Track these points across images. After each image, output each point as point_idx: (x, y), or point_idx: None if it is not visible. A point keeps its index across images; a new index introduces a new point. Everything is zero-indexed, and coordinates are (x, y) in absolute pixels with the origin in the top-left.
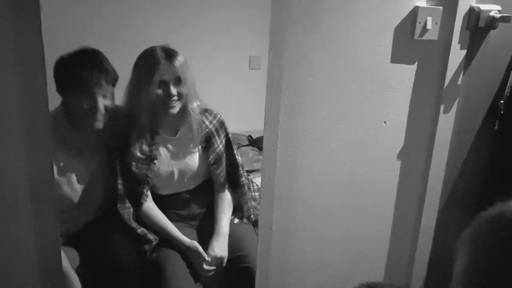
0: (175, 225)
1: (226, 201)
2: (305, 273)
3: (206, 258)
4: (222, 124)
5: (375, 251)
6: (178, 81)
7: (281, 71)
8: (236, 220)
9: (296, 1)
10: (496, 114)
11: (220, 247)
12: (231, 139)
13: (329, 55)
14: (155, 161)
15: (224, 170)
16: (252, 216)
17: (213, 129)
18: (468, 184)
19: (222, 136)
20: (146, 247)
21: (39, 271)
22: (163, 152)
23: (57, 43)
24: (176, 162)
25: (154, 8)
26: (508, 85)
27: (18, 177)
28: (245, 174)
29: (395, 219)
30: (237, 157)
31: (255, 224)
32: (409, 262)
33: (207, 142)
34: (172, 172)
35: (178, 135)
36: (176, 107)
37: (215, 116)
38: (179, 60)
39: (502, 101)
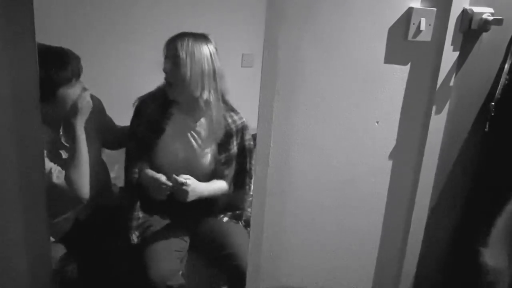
0: (167, 225)
1: (220, 185)
2: (296, 270)
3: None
4: (243, 128)
5: (365, 249)
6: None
7: (275, 70)
8: (225, 219)
9: (291, 1)
10: (486, 116)
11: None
12: (248, 145)
13: (323, 55)
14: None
15: (232, 173)
16: (243, 218)
17: (234, 129)
18: (458, 185)
19: (239, 139)
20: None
21: (29, 271)
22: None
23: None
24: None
25: (146, 6)
26: (499, 87)
27: (9, 175)
28: (252, 180)
29: (386, 218)
30: (248, 165)
31: (247, 223)
32: (399, 260)
33: (224, 140)
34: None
35: (198, 123)
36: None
37: (240, 118)
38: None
39: (493, 103)
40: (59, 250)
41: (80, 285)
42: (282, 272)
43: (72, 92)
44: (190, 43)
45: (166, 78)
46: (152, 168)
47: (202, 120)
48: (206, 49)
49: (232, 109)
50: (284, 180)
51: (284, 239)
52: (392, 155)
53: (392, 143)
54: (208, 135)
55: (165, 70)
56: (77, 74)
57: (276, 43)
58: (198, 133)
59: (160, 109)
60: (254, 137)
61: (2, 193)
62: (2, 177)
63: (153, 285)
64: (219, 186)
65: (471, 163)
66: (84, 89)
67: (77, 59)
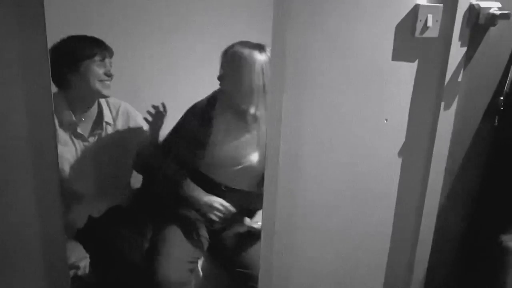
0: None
1: None
2: (306, 272)
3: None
4: None
5: (375, 248)
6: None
7: (283, 69)
8: (247, 220)
9: None
10: (496, 110)
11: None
12: None
13: (330, 53)
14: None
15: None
16: None
17: None
18: (468, 180)
19: None
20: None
21: (44, 265)
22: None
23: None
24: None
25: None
26: (507, 81)
27: (23, 167)
28: None
29: (396, 216)
30: None
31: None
32: (410, 259)
33: None
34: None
35: (246, 135)
36: None
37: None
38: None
39: (501, 98)
40: (74, 248)
41: (94, 284)
42: (293, 272)
43: (94, 67)
44: (243, 54)
45: (220, 85)
46: (195, 171)
47: (249, 133)
48: (260, 62)
49: None
50: (294, 178)
51: (295, 240)
52: (401, 152)
53: (401, 140)
54: (254, 149)
55: (219, 78)
56: (101, 55)
57: (284, 42)
58: (245, 145)
59: (210, 115)
60: None
61: (16, 190)
62: (16, 174)
63: None
64: None
65: (481, 157)
66: (109, 73)
67: (102, 44)
